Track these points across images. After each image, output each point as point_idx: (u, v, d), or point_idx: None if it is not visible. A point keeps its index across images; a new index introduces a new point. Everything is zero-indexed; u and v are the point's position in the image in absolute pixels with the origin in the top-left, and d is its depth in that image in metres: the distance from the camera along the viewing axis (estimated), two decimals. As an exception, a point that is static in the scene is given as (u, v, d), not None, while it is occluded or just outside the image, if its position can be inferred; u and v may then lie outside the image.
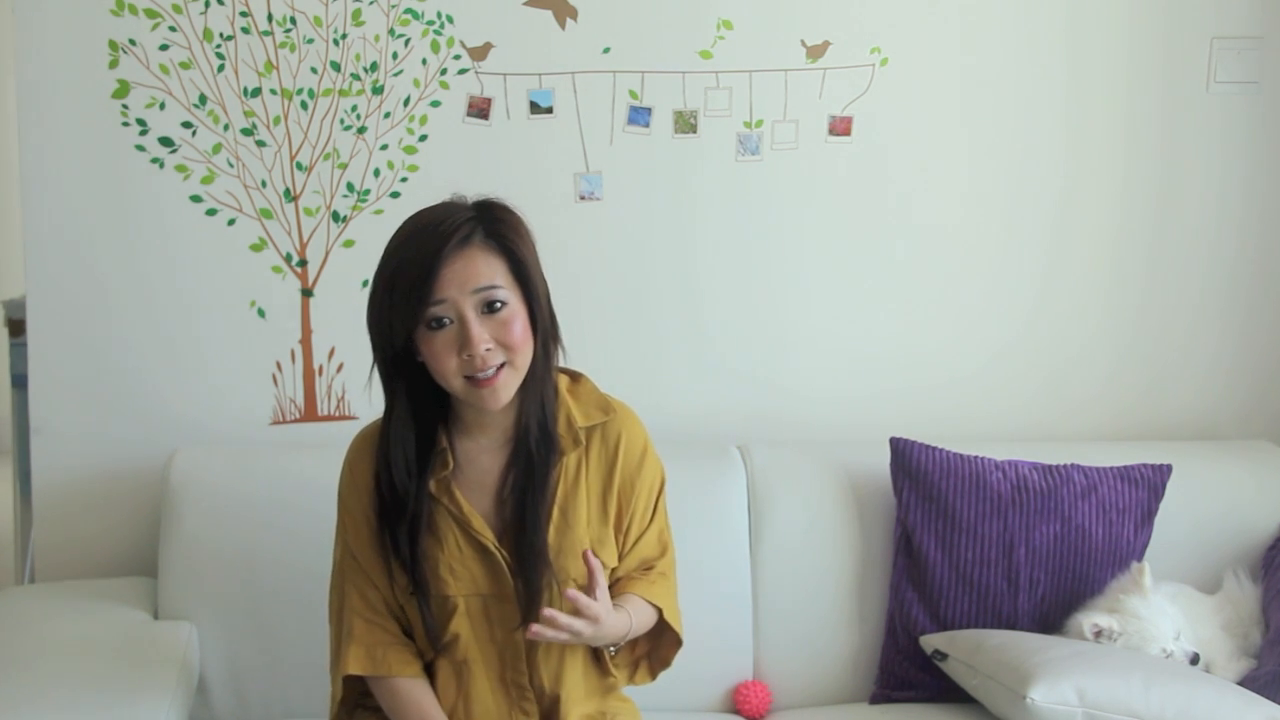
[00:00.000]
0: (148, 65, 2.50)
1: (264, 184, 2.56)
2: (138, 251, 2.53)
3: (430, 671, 1.92)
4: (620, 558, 1.94)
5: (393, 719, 1.90)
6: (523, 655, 1.90)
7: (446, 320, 1.77)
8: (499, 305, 1.78)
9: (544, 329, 1.84)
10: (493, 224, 1.81)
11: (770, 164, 2.70)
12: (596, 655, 1.96)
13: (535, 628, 1.76)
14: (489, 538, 1.87)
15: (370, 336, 1.83)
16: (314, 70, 2.55)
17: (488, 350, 1.77)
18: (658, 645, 1.99)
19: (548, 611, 1.75)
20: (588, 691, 1.96)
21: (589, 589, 1.81)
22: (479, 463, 1.90)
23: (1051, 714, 2.10)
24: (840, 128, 2.72)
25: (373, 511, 1.88)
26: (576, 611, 1.76)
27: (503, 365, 1.79)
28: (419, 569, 1.85)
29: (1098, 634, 2.31)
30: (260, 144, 2.55)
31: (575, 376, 1.98)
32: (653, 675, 2.01)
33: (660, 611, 1.94)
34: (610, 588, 1.91)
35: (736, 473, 2.53)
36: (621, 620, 1.85)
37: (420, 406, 1.86)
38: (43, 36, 2.46)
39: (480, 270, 1.77)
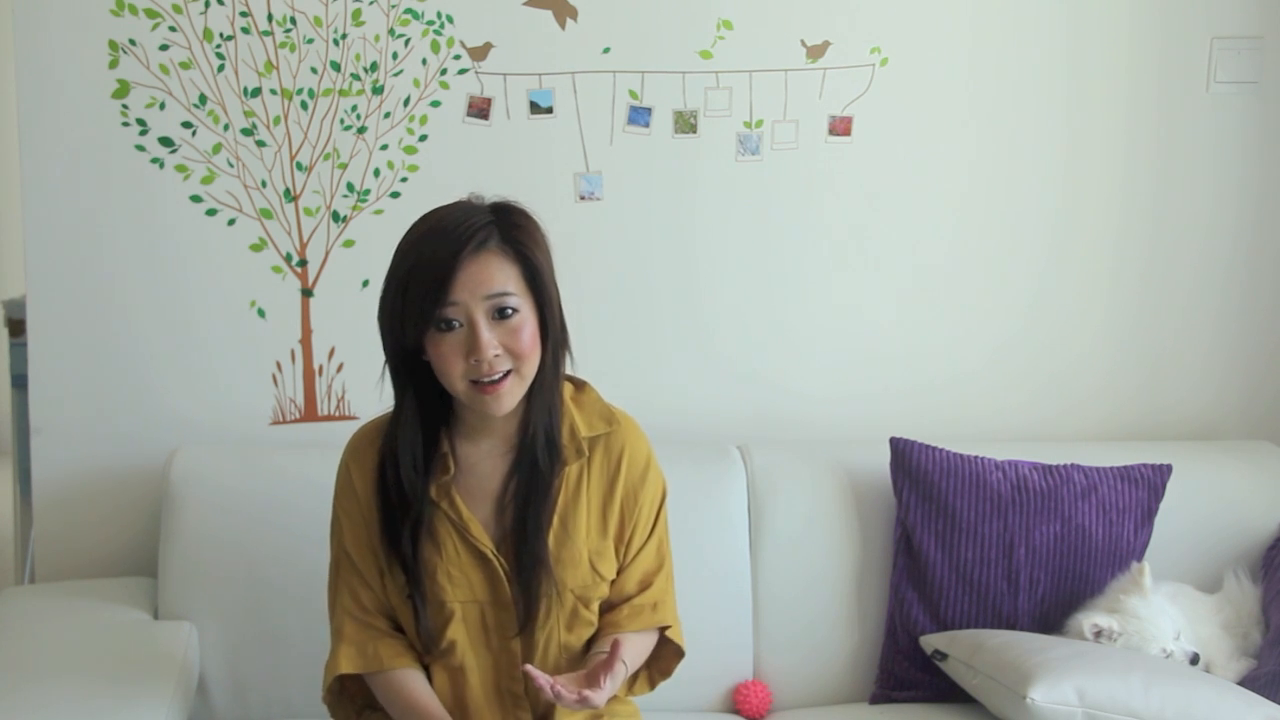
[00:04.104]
0: (148, 65, 2.50)
1: (264, 184, 2.56)
2: (138, 251, 2.53)
3: (425, 676, 1.91)
4: (620, 570, 1.93)
5: (391, 714, 1.89)
6: (518, 664, 1.88)
7: (456, 323, 1.76)
8: (510, 312, 1.77)
9: (554, 337, 1.83)
10: (510, 229, 1.79)
11: (770, 164, 2.70)
12: None
13: (531, 669, 1.72)
14: (487, 545, 1.86)
15: (380, 333, 1.83)
16: (314, 70, 2.55)
17: (495, 356, 1.76)
18: (657, 657, 1.99)
19: (531, 671, 1.71)
20: None
21: (605, 665, 1.74)
22: (480, 469, 1.89)
23: (1052, 714, 2.10)
24: (840, 128, 2.72)
25: (373, 509, 1.87)
26: (582, 692, 1.72)
27: (509, 372, 1.79)
28: (418, 572, 1.84)
29: (1098, 634, 2.31)
30: (260, 144, 2.55)
31: (579, 385, 1.97)
32: (651, 686, 2.01)
33: (661, 629, 1.95)
34: (608, 612, 1.92)
35: (736, 473, 2.53)
36: (620, 675, 1.81)
37: (426, 407, 1.85)
38: (43, 36, 2.46)
39: (494, 276, 1.76)
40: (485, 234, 1.77)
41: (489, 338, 1.75)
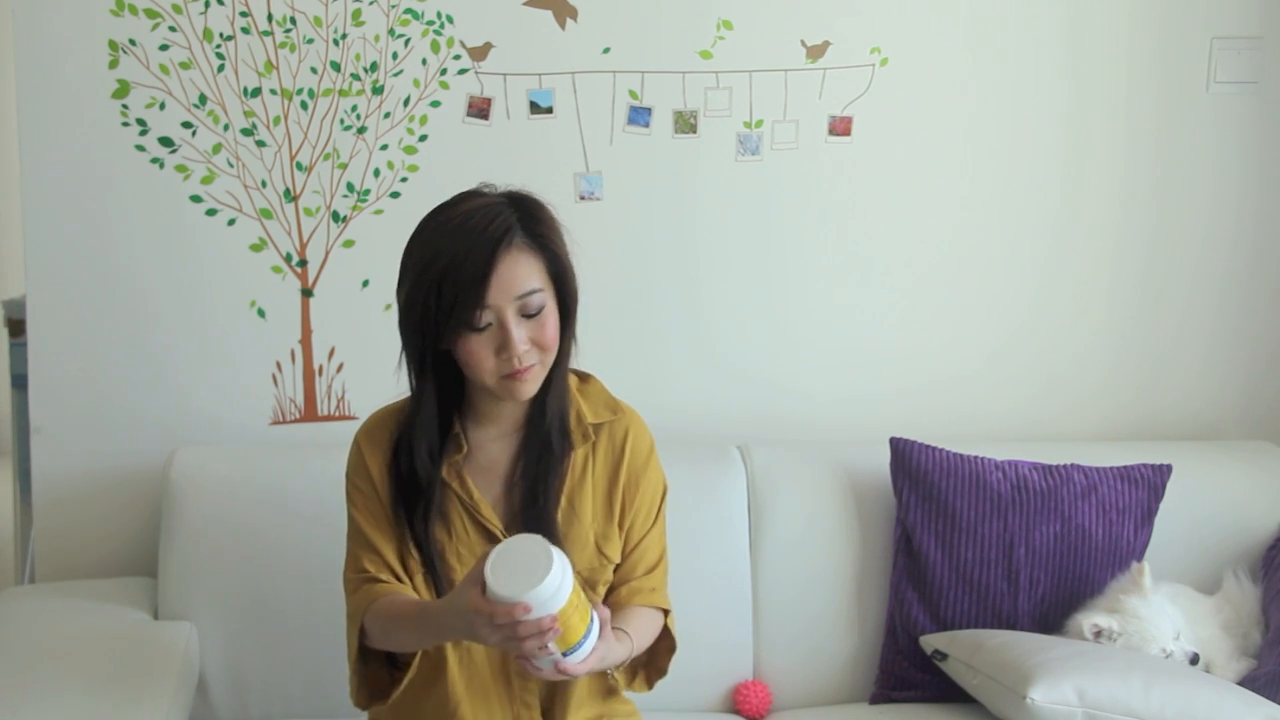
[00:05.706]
0: (148, 65, 2.50)
1: (264, 184, 2.56)
2: (138, 252, 2.53)
3: (440, 663, 1.90)
4: (625, 557, 1.95)
5: (391, 645, 1.84)
6: None
7: (488, 323, 1.78)
8: (537, 308, 1.79)
9: (570, 323, 1.86)
10: (533, 224, 1.81)
11: (770, 164, 2.70)
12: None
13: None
14: (496, 524, 1.88)
15: (405, 330, 1.82)
16: (314, 70, 2.55)
17: (525, 351, 1.79)
18: (654, 655, 1.99)
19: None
20: (590, 693, 1.96)
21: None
22: (489, 450, 1.91)
23: (1051, 714, 2.10)
24: (840, 128, 2.72)
25: (386, 489, 1.88)
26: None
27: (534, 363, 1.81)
28: (430, 552, 1.86)
29: (1098, 634, 2.31)
30: (260, 144, 2.55)
31: (584, 377, 1.99)
32: (649, 685, 2.01)
33: (664, 614, 1.96)
34: (610, 595, 1.93)
35: (736, 473, 2.53)
36: (623, 647, 1.83)
37: (443, 394, 1.87)
38: (43, 36, 2.46)
39: (522, 275, 1.78)
40: (511, 232, 1.78)
41: (520, 335, 1.78)
